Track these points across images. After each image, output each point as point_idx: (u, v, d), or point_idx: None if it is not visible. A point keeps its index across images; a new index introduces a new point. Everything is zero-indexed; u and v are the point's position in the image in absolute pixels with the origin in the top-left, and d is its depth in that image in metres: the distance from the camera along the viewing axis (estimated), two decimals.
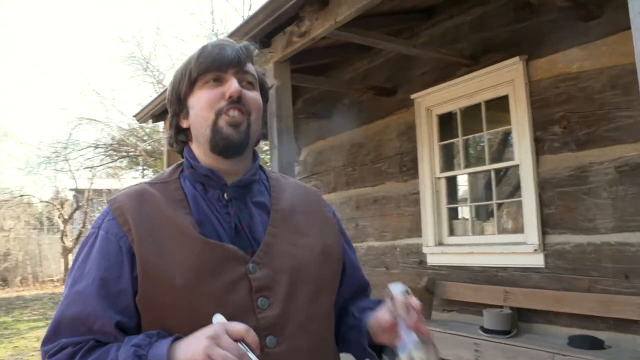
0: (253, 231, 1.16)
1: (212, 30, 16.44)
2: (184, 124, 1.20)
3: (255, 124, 1.18)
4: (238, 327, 0.92)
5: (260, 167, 1.28)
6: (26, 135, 42.91)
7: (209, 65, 1.13)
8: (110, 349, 0.98)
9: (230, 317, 0.99)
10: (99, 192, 18.17)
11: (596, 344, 3.47)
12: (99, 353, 0.98)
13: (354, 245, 5.96)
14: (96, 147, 16.49)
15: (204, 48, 1.16)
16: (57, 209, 18.83)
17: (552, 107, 4.16)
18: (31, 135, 37.87)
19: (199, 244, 1.08)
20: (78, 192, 18.68)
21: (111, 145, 16.72)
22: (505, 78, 4.50)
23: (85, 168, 17.30)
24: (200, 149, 1.18)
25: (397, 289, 1.04)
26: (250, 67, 1.19)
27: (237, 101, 1.13)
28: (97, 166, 17.25)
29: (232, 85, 1.13)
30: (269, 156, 4.81)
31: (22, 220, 18.84)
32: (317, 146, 7.08)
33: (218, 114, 1.13)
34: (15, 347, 7.92)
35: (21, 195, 19.89)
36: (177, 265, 1.05)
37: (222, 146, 1.13)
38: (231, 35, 4.49)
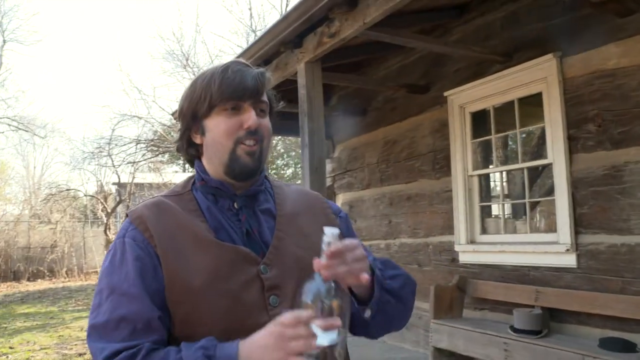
0: (262, 235, 1.25)
1: (250, 27, 16.60)
2: (197, 140, 1.28)
3: (267, 149, 1.27)
4: (287, 317, 0.99)
5: (265, 177, 1.37)
6: (72, 132, 44.25)
7: (230, 95, 1.20)
8: (169, 353, 1.05)
9: (244, 315, 1.11)
10: (140, 186, 18.60)
11: (628, 347, 3.42)
12: (159, 357, 1.05)
13: (387, 242, 6.02)
14: (138, 142, 16.87)
15: (224, 72, 1.21)
16: (101, 202, 19.37)
17: (586, 105, 4.10)
18: (77, 132, 38.96)
19: (214, 248, 1.17)
20: (120, 186, 19.17)
21: (152, 140, 17.08)
22: (538, 75, 4.44)
23: (128, 163, 17.71)
24: (212, 167, 1.27)
25: (328, 232, 1.05)
26: (265, 95, 1.27)
27: (254, 132, 1.21)
28: (139, 161, 17.63)
29: (251, 117, 1.21)
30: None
31: (68, 214, 19.37)
32: (351, 143, 7.12)
33: (236, 143, 1.21)
34: (60, 335, 8.22)
35: (67, 189, 20.48)
36: (196, 267, 1.14)
37: (238, 172, 1.23)
38: (265, 35, 4.56)
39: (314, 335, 0.96)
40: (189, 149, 1.30)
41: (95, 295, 1.18)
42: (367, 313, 1.21)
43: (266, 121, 1.26)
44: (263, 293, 1.17)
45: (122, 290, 1.13)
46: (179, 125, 1.31)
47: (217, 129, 1.22)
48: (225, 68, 1.23)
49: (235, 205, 1.25)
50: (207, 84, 1.22)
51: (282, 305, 1.17)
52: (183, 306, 1.13)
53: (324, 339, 0.97)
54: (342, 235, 1.37)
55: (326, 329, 0.97)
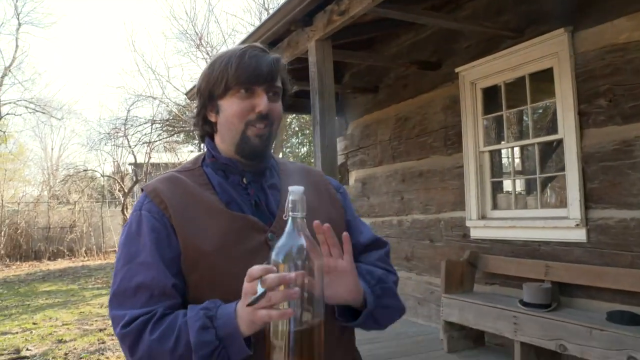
0: (269, 207, 1.33)
1: (263, 5, 16.53)
2: (212, 118, 1.35)
3: (275, 132, 1.34)
4: (255, 270, 1.04)
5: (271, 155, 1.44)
6: (88, 113, 44.57)
7: (245, 79, 1.27)
8: (178, 315, 1.13)
9: None
10: (156, 166, 18.79)
11: (636, 320, 3.45)
12: (169, 320, 1.13)
13: (400, 218, 6.08)
14: (153, 122, 17.02)
15: (242, 56, 1.28)
16: (118, 182, 19.61)
17: (597, 80, 4.08)
18: (93, 113, 39.26)
19: (224, 215, 1.25)
20: (137, 166, 19.37)
21: (167, 120, 17.21)
22: (549, 50, 4.42)
23: (143, 143, 17.91)
24: (224, 145, 1.34)
25: (293, 190, 1.08)
26: (278, 80, 1.33)
27: (265, 117, 1.28)
28: (155, 141, 17.81)
29: (263, 102, 1.27)
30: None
31: (86, 194, 19.68)
32: (364, 120, 7.14)
33: (247, 125, 1.28)
34: (81, 312, 8.44)
35: (85, 170, 20.79)
36: (208, 234, 1.22)
37: (247, 152, 1.31)
38: (275, 13, 4.57)
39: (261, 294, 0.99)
40: (204, 126, 1.37)
41: (115, 266, 1.27)
42: (342, 323, 1.29)
43: (277, 105, 1.32)
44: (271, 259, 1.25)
45: (140, 260, 1.21)
46: (197, 101, 1.38)
47: (231, 110, 1.29)
48: (243, 52, 1.29)
49: (244, 180, 1.33)
50: (224, 67, 1.29)
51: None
52: (196, 271, 1.21)
53: (252, 298, 0.99)
54: (344, 211, 1.44)
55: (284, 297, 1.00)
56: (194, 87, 6.80)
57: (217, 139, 1.36)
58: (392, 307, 1.34)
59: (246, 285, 1.05)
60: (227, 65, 1.28)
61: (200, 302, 1.18)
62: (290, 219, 1.07)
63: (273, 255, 1.04)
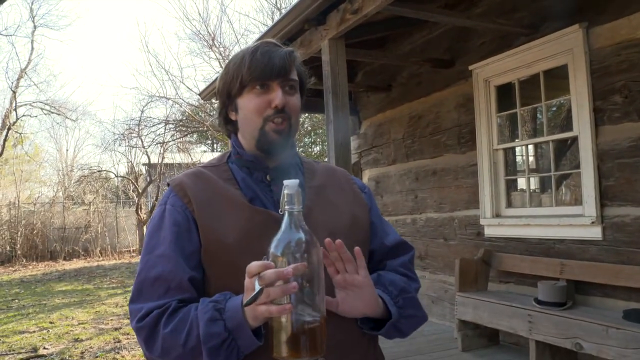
0: None
1: (275, 5, 16.56)
2: (232, 117, 1.38)
3: (295, 125, 1.35)
4: (253, 266, 1.04)
5: (297, 153, 1.46)
6: (102, 114, 44.93)
7: (259, 75, 1.28)
8: (191, 309, 1.15)
9: None
10: (170, 166, 18.90)
11: None
12: (182, 313, 1.15)
13: (414, 216, 6.07)
14: (166, 123, 17.11)
15: (254, 53, 1.30)
16: (132, 183, 19.74)
17: (613, 76, 4.05)
18: (107, 114, 39.56)
19: (247, 210, 1.27)
20: (151, 166, 19.49)
21: (181, 121, 17.30)
22: (564, 47, 4.39)
23: (157, 144, 18.01)
24: (246, 142, 1.36)
25: (288, 184, 1.07)
26: (293, 73, 1.34)
27: (281, 111, 1.29)
28: (168, 141, 17.91)
29: (278, 96, 1.28)
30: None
31: (101, 195, 19.85)
32: (377, 119, 7.13)
33: (265, 121, 1.29)
34: (96, 311, 8.50)
35: (99, 171, 20.96)
36: (230, 227, 1.24)
37: (266, 148, 1.31)
38: (289, 13, 4.58)
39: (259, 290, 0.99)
40: (227, 125, 1.40)
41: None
42: (364, 331, 1.30)
43: (295, 98, 1.33)
44: None
45: (159, 252, 1.24)
46: (218, 103, 1.41)
47: (248, 107, 1.31)
48: (255, 49, 1.31)
49: (268, 177, 1.34)
50: (238, 66, 1.31)
51: None
52: (217, 264, 1.23)
53: (250, 296, 1.00)
54: (369, 210, 1.44)
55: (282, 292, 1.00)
56: (208, 87, 6.87)
57: (240, 136, 1.38)
58: (414, 316, 1.34)
59: (247, 281, 1.06)
60: (241, 63, 1.30)
61: None
62: (286, 213, 1.06)
63: (272, 248, 1.04)
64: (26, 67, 20.91)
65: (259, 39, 4.96)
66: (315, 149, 20.77)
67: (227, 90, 1.34)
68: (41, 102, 21.43)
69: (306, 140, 20.33)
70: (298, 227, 1.05)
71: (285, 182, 1.08)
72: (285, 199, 1.07)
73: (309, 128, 19.44)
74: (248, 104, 1.30)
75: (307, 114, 16.09)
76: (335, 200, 1.38)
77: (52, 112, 21.95)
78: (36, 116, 21.86)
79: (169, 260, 1.21)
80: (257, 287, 0.99)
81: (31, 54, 21.18)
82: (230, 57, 1.38)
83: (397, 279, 1.35)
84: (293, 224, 1.06)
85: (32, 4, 24.02)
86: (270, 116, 1.28)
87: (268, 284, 1.00)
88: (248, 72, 1.28)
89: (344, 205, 1.38)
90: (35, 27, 21.47)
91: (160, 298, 1.19)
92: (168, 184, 1.35)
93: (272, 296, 1.00)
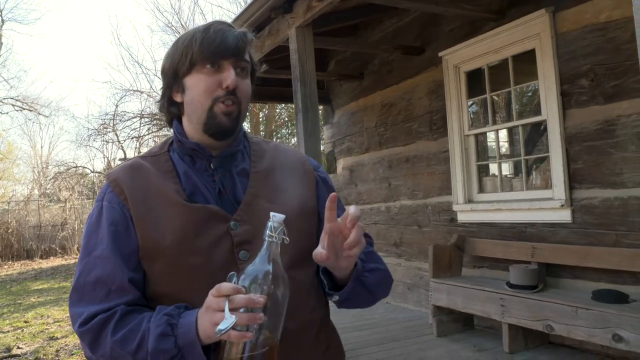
0: (236, 195, 1.27)
1: None
2: (178, 98, 1.29)
3: (244, 110, 1.28)
4: (224, 287, 1.01)
5: (244, 135, 1.38)
6: (76, 109, 44.22)
7: (210, 53, 1.21)
8: (144, 319, 1.10)
9: (215, 270, 1.14)
10: None
11: (620, 298, 3.46)
12: (133, 322, 1.10)
13: (387, 204, 6.05)
14: (142, 117, 16.92)
15: (206, 31, 1.23)
16: None
17: (579, 60, 4.08)
18: (80, 109, 38.94)
19: (182, 208, 1.20)
20: (127, 161, 19.25)
21: (156, 114, 17.08)
22: (531, 32, 4.41)
23: (133, 138, 17.81)
24: (192, 126, 1.28)
25: (274, 217, 1.05)
26: (247, 55, 1.27)
27: (232, 92, 1.22)
28: (144, 135, 17.70)
29: (230, 76, 1.21)
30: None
31: (77, 191, 19.57)
32: (350, 107, 7.11)
33: (214, 101, 1.22)
34: None
35: (75, 167, 20.66)
36: (166, 227, 1.18)
37: (214, 131, 1.24)
38: (255, 1, 4.53)
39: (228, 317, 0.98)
40: (171, 108, 1.31)
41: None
42: (335, 298, 1.25)
43: (246, 83, 1.27)
44: (232, 249, 1.20)
45: (97, 253, 1.18)
46: (162, 85, 1.32)
47: (197, 87, 1.23)
48: (207, 27, 1.24)
49: (212, 166, 1.27)
50: (188, 43, 1.23)
51: (252, 259, 1.20)
52: (156, 265, 1.18)
53: (222, 324, 0.97)
54: (318, 196, 1.38)
55: (248, 320, 0.98)
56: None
57: (185, 120, 1.30)
58: (377, 269, 1.30)
59: (211, 299, 1.01)
60: (192, 40, 1.23)
61: (160, 295, 1.17)
62: (266, 242, 1.04)
63: (240, 279, 1.02)
64: None
65: None
66: (292, 140, 20.69)
67: (174, 69, 1.26)
68: (12, 98, 21.03)
69: (283, 131, 20.24)
70: (271, 259, 1.04)
71: (272, 214, 1.05)
72: (267, 231, 1.05)
73: (286, 119, 19.36)
74: (197, 84, 1.22)
75: (283, 105, 16.00)
76: (284, 184, 1.32)
77: (24, 109, 21.57)
78: (7, 113, 21.46)
79: (107, 262, 1.16)
80: (227, 310, 0.97)
81: (0, 49, 20.77)
82: (180, 35, 1.30)
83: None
84: (267, 255, 1.04)
85: None
86: (220, 97, 1.21)
87: (236, 309, 0.97)
88: (200, 50, 1.21)
89: (292, 188, 1.32)
90: (3, 21, 21.06)
91: (102, 301, 1.14)
92: (105, 177, 1.28)
93: (237, 322, 0.97)
